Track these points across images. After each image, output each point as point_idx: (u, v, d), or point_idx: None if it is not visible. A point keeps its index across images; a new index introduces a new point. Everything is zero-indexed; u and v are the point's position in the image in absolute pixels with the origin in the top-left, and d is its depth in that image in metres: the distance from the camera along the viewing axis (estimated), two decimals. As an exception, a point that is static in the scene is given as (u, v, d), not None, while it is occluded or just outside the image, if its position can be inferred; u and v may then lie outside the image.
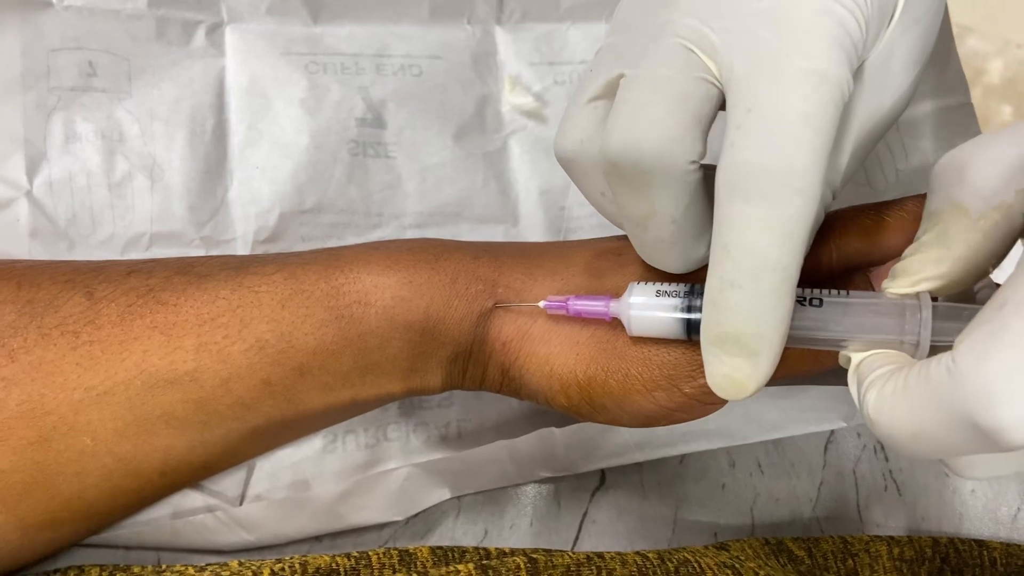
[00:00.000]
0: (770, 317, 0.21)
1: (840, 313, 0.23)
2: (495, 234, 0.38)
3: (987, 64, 0.90)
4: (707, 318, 0.22)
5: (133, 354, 0.27)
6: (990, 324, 0.17)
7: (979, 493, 0.36)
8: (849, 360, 0.22)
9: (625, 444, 0.34)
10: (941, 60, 0.39)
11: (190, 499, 0.32)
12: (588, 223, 0.39)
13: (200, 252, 0.36)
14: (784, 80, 0.20)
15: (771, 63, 0.21)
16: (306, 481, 0.34)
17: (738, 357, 0.22)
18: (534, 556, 0.28)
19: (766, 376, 0.22)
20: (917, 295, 0.22)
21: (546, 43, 0.40)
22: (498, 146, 0.39)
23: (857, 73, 0.23)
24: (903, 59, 0.24)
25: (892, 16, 0.22)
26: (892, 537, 0.34)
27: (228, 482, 0.33)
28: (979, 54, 0.89)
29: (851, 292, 0.23)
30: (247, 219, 0.36)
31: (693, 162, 0.22)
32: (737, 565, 0.30)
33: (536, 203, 0.38)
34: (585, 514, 0.35)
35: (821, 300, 0.23)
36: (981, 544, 0.34)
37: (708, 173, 0.23)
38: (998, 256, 0.21)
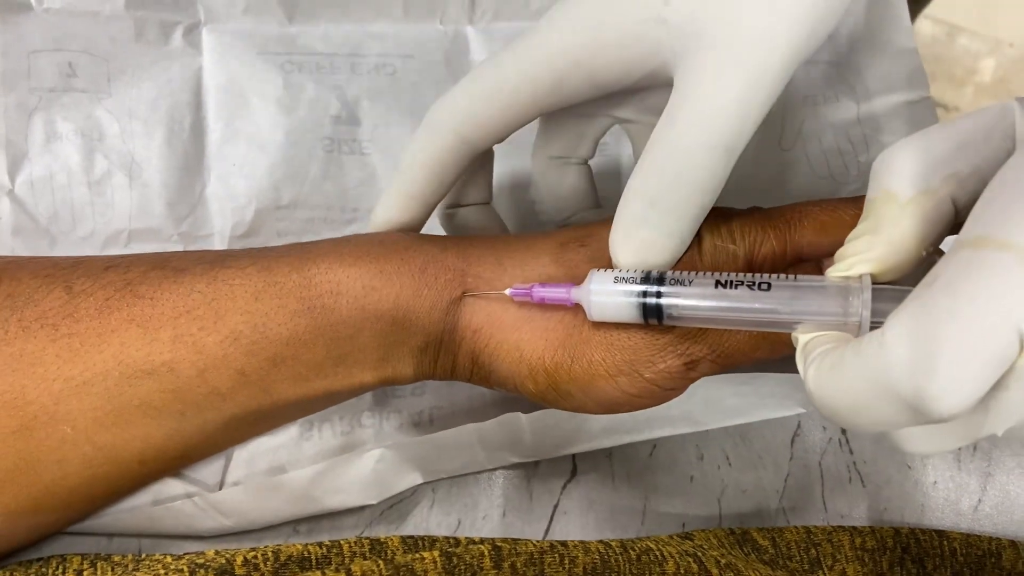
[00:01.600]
0: None
1: (788, 296, 0.23)
2: (468, 228, 0.39)
3: (979, 63, 0.89)
4: None
5: (111, 346, 0.27)
6: (919, 299, 0.18)
7: (941, 485, 0.37)
8: (799, 341, 0.23)
9: (591, 430, 0.35)
10: (902, 56, 0.39)
11: (170, 487, 0.32)
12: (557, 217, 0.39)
13: (178, 248, 0.37)
14: None
15: None
16: (282, 468, 0.34)
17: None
18: (499, 544, 0.28)
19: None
20: (860, 277, 0.22)
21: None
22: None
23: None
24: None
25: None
26: (855, 527, 0.35)
27: (207, 470, 0.33)
28: (971, 53, 0.89)
29: (798, 276, 0.24)
30: (224, 215, 0.37)
31: None
32: (700, 554, 0.30)
33: (507, 198, 0.39)
34: (556, 505, 0.36)
35: (770, 284, 0.24)
36: (942, 534, 0.34)
37: None
38: (930, 240, 0.22)
